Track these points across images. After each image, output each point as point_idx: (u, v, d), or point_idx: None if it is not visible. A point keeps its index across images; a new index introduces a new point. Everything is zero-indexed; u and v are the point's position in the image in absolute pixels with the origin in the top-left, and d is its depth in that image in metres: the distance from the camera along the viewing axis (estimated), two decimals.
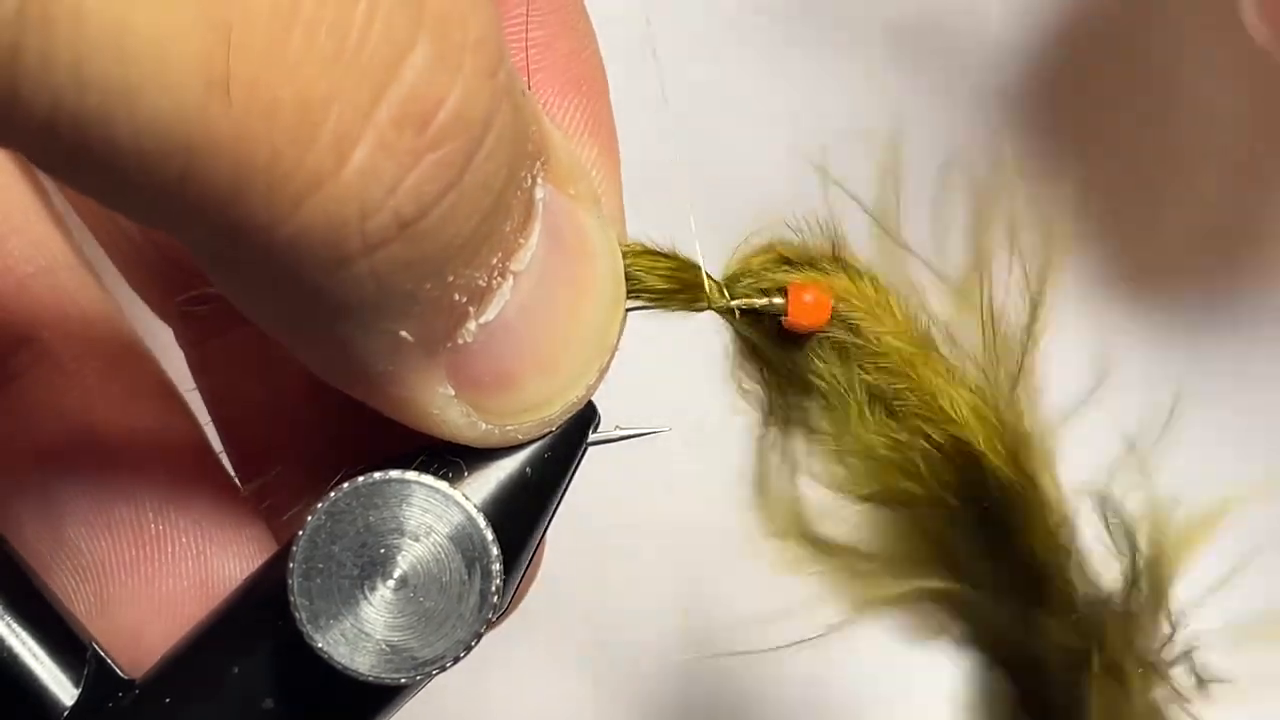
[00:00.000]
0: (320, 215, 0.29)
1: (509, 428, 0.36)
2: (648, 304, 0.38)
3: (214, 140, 0.28)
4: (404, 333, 0.33)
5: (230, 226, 0.29)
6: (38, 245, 0.42)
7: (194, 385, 0.43)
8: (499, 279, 0.33)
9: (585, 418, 0.37)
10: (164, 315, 0.43)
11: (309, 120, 0.29)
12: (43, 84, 0.27)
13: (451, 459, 0.36)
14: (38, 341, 0.41)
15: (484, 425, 0.35)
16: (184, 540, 0.39)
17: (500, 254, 0.33)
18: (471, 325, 0.34)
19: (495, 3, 0.38)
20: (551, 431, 0.37)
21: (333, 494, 0.35)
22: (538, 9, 0.39)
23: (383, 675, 0.35)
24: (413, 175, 0.30)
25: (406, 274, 0.31)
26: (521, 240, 0.34)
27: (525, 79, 0.38)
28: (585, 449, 0.37)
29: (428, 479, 0.35)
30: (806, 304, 0.39)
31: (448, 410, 0.35)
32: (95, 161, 0.28)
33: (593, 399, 0.37)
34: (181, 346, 0.43)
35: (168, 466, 0.40)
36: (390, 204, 0.30)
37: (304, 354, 0.34)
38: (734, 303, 0.39)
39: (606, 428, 0.38)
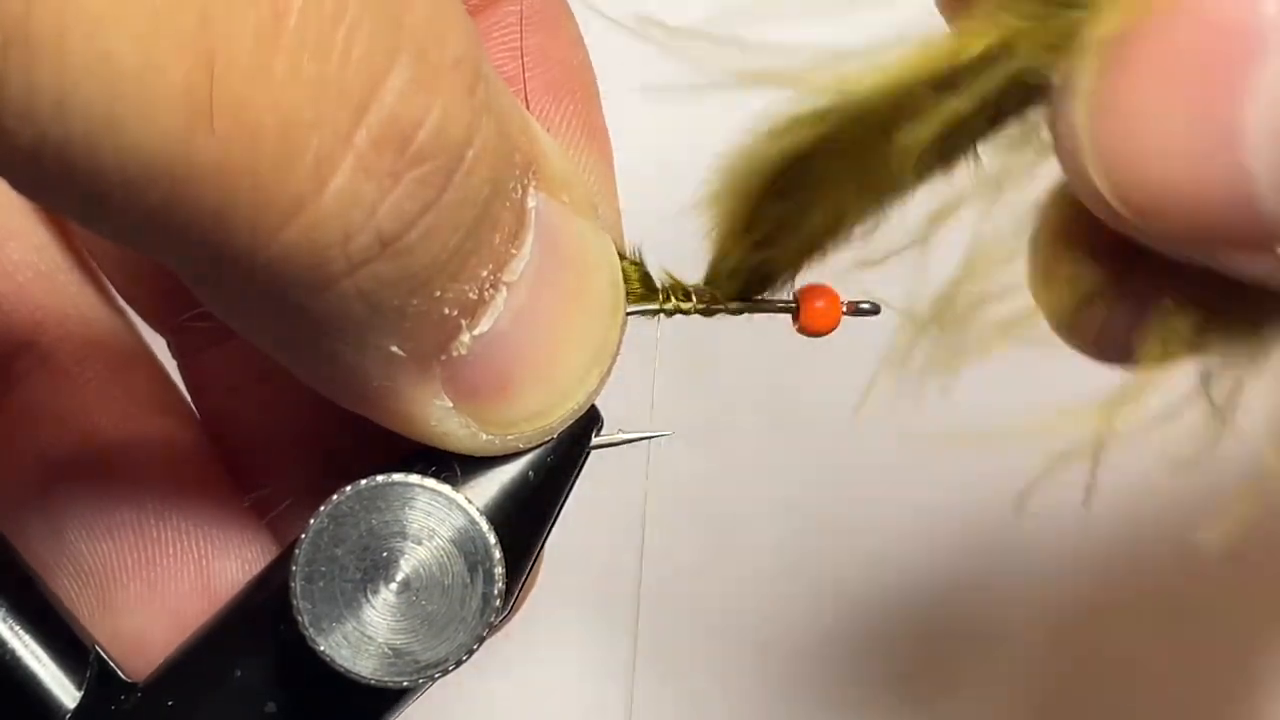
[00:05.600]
0: (303, 238, 0.30)
1: (510, 437, 0.36)
2: (647, 309, 0.38)
3: (197, 167, 0.28)
4: (395, 348, 0.33)
5: (215, 251, 0.29)
6: (38, 250, 0.42)
7: None
8: (491, 290, 0.33)
9: (588, 422, 0.37)
10: (158, 326, 0.43)
11: (290, 145, 0.29)
12: (27, 114, 0.27)
13: (454, 462, 0.36)
14: (39, 346, 0.41)
15: (484, 436, 0.35)
16: (186, 544, 0.39)
17: (491, 265, 0.33)
18: (465, 337, 0.34)
19: (474, 19, 0.38)
20: (554, 437, 0.37)
21: (335, 497, 0.35)
22: (527, 15, 0.39)
23: (385, 678, 0.35)
24: (393, 195, 0.30)
25: (392, 291, 0.31)
26: (514, 251, 0.34)
27: (521, 87, 0.39)
28: (588, 453, 0.37)
29: (430, 482, 0.35)
30: (818, 310, 0.39)
31: (447, 422, 0.35)
32: (79, 189, 0.28)
33: (595, 403, 0.37)
34: (175, 358, 0.43)
35: (170, 470, 0.40)
36: (371, 224, 0.30)
37: (300, 371, 0.34)
38: (734, 305, 0.39)
39: (609, 431, 0.38)
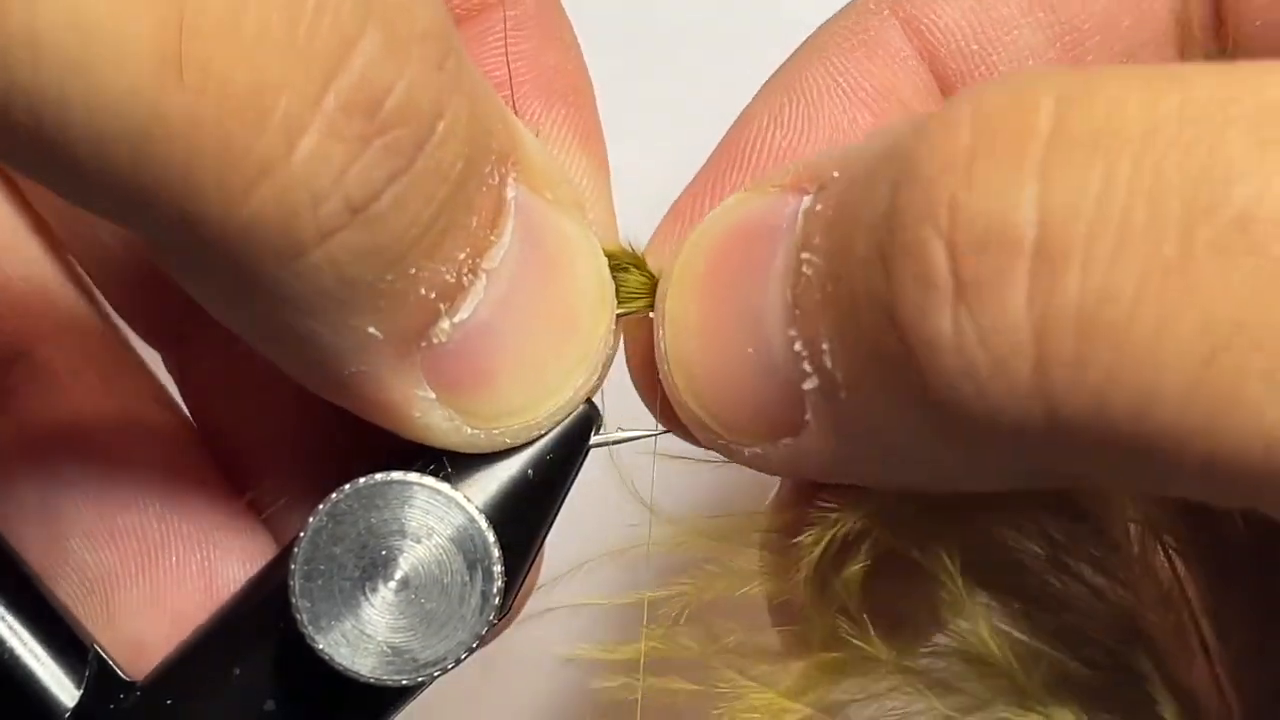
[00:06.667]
0: (271, 202, 0.30)
1: (495, 431, 0.36)
2: (646, 310, 0.38)
3: (166, 123, 0.28)
4: (372, 329, 0.33)
5: (183, 215, 0.30)
6: (30, 261, 0.42)
7: None
8: (470, 276, 0.34)
9: (587, 420, 0.37)
10: (151, 340, 0.43)
11: (260, 106, 0.29)
12: None
13: (453, 460, 0.36)
14: (34, 355, 0.41)
15: (469, 430, 0.35)
16: (187, 546, 0.39)
17: (468, 249, 0.33)
18: (445, 324, 0.34)
19: (467, 25, 0.39)
20: (544, 434, 0.37)
21: (334, 496, 0.35)
22: (521, 21, 0.40)
23: (384, 677, 0.35)
24: (361, 160, 0.30)
25: (364, 263, 0.31)
26: (492, 238, 0.34)
27: (509, 91, 0.39)
28: (587, 451, 0.37)
29: (429, 480, 0.35)
30: None
31: (430, 414, 0.35)
32: (50, 144, 0.28)
33: (594, 401, 0.37)
34: (169, 371, 0.43)
35: (167, 474, 0.40)
36: (340, 190, 0.30)
37: (277, 356, 0.34)
38: None
39: (609, 430, 0.38)
